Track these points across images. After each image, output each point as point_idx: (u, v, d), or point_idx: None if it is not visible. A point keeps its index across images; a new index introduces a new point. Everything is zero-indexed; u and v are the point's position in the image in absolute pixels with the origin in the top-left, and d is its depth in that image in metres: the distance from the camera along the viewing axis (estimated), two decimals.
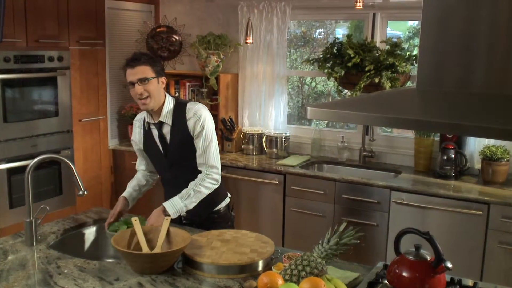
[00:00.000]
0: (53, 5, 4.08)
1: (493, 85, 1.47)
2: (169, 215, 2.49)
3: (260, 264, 2.14)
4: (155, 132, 2.72)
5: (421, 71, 1.58)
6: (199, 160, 2.67)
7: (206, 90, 4.65)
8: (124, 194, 2.79)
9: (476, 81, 1.48)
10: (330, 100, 5.53)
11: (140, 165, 2.93)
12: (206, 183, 2.63)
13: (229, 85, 4.71)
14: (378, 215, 3.68)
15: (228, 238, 2.35)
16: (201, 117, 2.64)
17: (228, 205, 2.88)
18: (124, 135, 4.93)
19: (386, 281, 1.99)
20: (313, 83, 5.55)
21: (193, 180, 2.64)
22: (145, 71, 2.55)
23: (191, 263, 2.16)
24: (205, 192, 2.64)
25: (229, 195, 2.91)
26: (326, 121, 5.07)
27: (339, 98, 5.22)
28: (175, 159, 2.71)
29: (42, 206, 2.44)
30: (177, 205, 2.57)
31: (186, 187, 2.62)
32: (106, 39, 4.60)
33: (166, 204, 2.57)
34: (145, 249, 2.21)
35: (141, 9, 4.97)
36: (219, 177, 2.69)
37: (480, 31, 1.46)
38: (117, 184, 4.86)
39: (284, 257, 2.17)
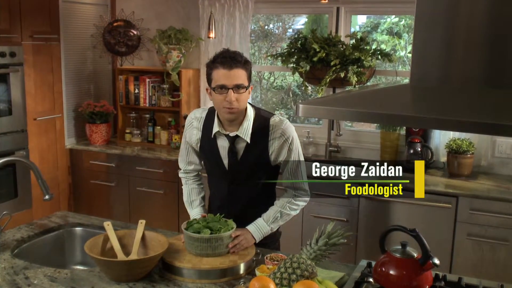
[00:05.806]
0: None
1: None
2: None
3: (242, 267, 2.07)
4: (223, 144, 2.32)
5: (415, 66, 1.54)
6: (284, 183, 2.37)
7: (167, 86, 4.52)
8: (198, 215, 2.41)
9: (476, 76, 1.46)
10: (291, 95, 5.50)
11: (189, 164, 2.50)
12: (294, 205, 2.36)
13: (191, 81, 4.60)
14: (348, 211, 3.67)
15: None
16: (289, 139, 2.29)
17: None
18: (82, 134, 4.73)
19: (372, 280, 1.96)
20: (272, 78, 5.50)
21: (250, 200, 2.37)
22: (242, 76, 2.18)
23: (169, 268, 2.06)
24: (294, 214, 2.38)
25: None
26: (289, 116, 5.04)
27: (299, 93, 5.20)
28: (240, 178, 2.32)
29: (5, 212, 2.29)
30: (263, 229, 2.30)
31: (239, 207, 2.35)
32: (61, 33, 4.39)
33: (251, 228, 2.28)
34: (120, 255, 2.10)
35: (97, 2, 4.78)
36: (308, 198, 2.40)
37: (479, 26, 1.43)
38: (75, 185, 4.66)
39: (266, 258, 2.11)
